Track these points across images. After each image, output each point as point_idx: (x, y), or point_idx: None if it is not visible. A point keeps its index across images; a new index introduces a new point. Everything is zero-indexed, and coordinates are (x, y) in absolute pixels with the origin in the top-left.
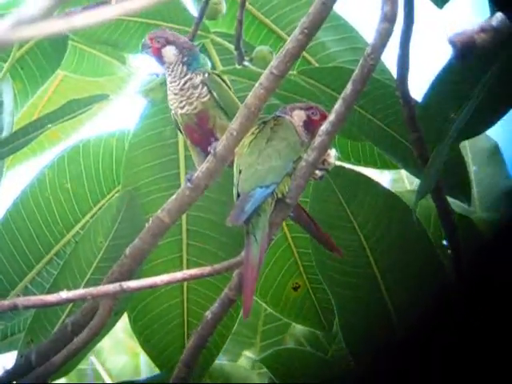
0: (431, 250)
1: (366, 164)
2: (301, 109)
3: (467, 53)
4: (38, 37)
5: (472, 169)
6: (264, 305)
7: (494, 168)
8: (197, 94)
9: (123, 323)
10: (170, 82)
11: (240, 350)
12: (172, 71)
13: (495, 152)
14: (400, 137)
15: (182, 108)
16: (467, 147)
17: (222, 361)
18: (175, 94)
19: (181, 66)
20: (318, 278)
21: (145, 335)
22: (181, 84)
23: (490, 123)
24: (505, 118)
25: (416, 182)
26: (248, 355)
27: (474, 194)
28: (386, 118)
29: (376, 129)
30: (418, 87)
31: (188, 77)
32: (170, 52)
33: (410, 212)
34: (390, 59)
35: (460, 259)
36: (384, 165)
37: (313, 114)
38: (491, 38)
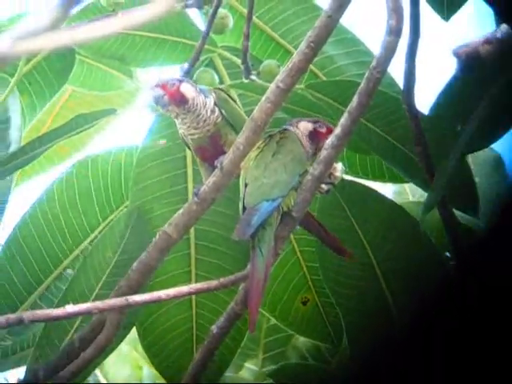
0: (439, 262)
1: (375, 178)
2: (308, 121)
3: (472, 65)
4: (42, 51)
5: (475, 180)
6: (272, 318)
7: (497, 179)
8: (214, 119)
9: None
10: (196, 116)
11: (242, 362)
12: (196, 105)
13: (498, 163)
14: (407, 150)
15: (194, 134)
16: (470, 158)
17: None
18: (195, 128)
19: (201, 96)
20: (326, 292)
21: (153, 350)
22: (207, 114)
23: (497, 136)
24: None
25: (418, 193)
26: (250, 367)
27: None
28: (394, 131)
29: (383, 142)
30: (425, 100)
31: (207, 104)
32: (188, 87)
33: (416, 225)
34: (396, 72)
35: (466, 270)
36: (392, 178)
37: (319, 126)
38: (496, 49)
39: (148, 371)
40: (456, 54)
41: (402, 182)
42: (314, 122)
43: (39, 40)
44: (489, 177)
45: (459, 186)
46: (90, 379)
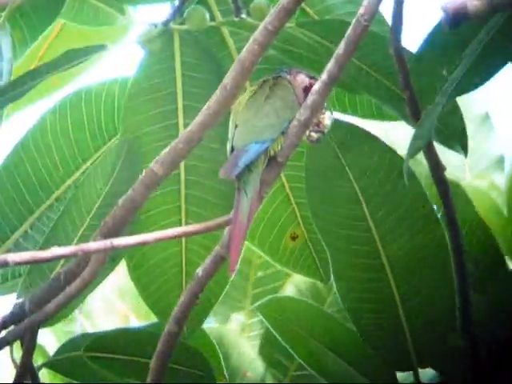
0: (425, 203)
1: (363, 115)
2: (305, 75)
3: (458, 20)
4: None
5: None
6: (262, 254)
7: (485, 136)
8: None
9: (114, 285)
10: None
11: (229, 313)
12: None
13: (485, 120)
14: (396, 88)
15: None
16: None
17: (211, 323)
18: None
19: None
20: (315, 229)
21: (143, 283)
22: None
23: (483, 80)
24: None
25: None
26: (237, 317)
27: (465, 162)
28: (383, 69)
29: (372, 80)
30: (415, 44)
31: None
32: None
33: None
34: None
35: (453, 218)
36: (380, 116)
37: (314, 82)
38: (484, 5)
39: (135, 322)
40: (444, 8)
41: (391, 119)
42: (310, 78)
43: None
44: (476, 133)
45: (448, 123)
46: (78, 329)
